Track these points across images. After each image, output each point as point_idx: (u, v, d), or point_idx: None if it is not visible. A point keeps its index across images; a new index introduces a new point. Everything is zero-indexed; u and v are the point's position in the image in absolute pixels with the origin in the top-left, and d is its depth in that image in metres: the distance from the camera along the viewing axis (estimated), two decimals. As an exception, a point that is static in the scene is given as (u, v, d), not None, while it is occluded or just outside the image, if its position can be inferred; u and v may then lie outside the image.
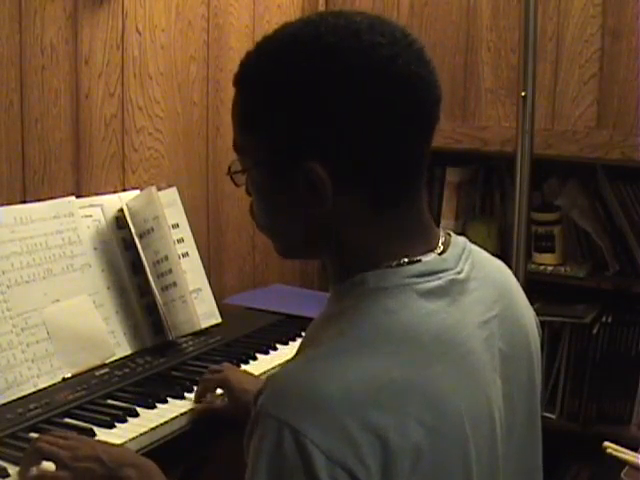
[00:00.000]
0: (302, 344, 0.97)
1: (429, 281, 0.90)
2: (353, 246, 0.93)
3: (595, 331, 2.35)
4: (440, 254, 0.94)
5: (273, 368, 1.66)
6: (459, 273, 0.94)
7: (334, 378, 0.82)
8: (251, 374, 1.53)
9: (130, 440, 1.34)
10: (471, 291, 0.94)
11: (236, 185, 1.01)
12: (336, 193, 0.89)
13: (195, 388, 1.55)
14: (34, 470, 1.18)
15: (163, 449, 1.36)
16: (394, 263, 0.91)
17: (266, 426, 0.81)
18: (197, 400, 1.49)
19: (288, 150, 0.90)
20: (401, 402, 0.82)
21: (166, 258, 1.76)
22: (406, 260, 0.91)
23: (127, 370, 1.61)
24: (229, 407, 1.45)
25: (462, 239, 0.99)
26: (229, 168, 1.03)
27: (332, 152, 0.88)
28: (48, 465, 1.17)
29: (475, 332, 0.92)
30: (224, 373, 1.48)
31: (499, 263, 1.06)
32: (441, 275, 0.92)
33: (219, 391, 1.50)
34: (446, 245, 0.96)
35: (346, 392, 0.81)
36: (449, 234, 0.99)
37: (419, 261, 0.92)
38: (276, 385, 0.85)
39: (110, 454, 1.15)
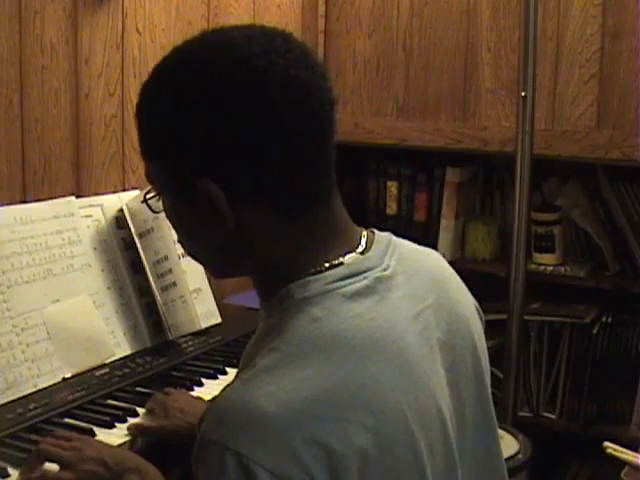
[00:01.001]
0: (240, 367, 0.96)
1: (353, 282, 0.89)
2: (270, 260, 0.92)
3: (595, 331, 2.35)
4: (362, 253, 0.93)
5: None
6: (385, 270, 0.92)
7: (269, 395, 0.80)
8: (193, 396, 1.47)
9: (130, 440, 1.34)
10: (399, 286, 0.93)
11: (153, 212, 1.02)
12: (235, 207, 0.88)
13: (199, 388, 1.55)
14: (37, 472, 1.18)
15: (163, 449, 1.36)
16: (315, 270, 0.90)
17: (209, 453, 0.80)
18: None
19: (182, 170, 0.89)
20: (340, 409, 0.81)
21: (166, 258, 1.76)
22: (327, 265, 0.90)
23: (127, 370, 1.60)
24: (163, 425, 1.35)
25: (386, 234, 0.98)
26: (144, 195, 1.02)
27: (220, 167, 0.87)
28: (51, 467, 1.17)
29: (408, 327, 0.91)
30: (166, 395, 1.41)
31: (431, 252, 1.04)
32: (366, 274, 0.90)
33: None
34: (369, 243, 0.95)
35: (283, 407, 0.80)
36: (372, 232, 0.97)
37: (341, 264, 0.90)
38: (215, 410, 0.83)
39: (114, 457, 1.15)
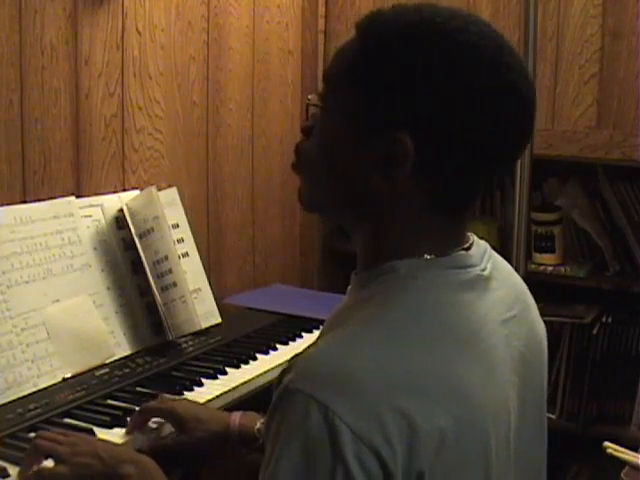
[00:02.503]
0: (326, 328, 0.97)
1: (459, 273, 0.92)
2: (395, 232, 0.93)
3: (595, 331, 2.35)
4: (466, 250, 0.95)
5: (273, 368, 1.66)
6: (483, 270, 0.95)
7: (365, 359, 0.82)
8: (196, 402, 1.43)
9: (130, 440, 1.34)
10: (493, 290, 0.95)
11: (307, 119, 0.98)
12: (409, 175, 0.89)
13: (199, 388, 1.55)
14: (34, 468, 1.18)
15: (160, 451, 1.35)
16: (425, 256, 0.92)
17: (294, 401, 0.81)
18: (130, 431, 1.35)
19: (388, 114, 0.89)
20: (430, 388, 0.83)
21: (166, 258, 1.76)
22: (437, 254, 0.92)
23: (127, 370, 1.60)
24: (182, 441, 1.32)
25: (484, 242, 1.00)
26: (309, 99, 0.99)
27: (429, 135, 0.88)
28: (48, 463, 1.17)
29: (497, 329, 0.93)
30: (169, 403, 1.36)
31: (514, 271, 1.07)
32: (469, 270, 0.93)
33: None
34: (471, 244, 0.97)
35: (377, 373, 0.81)
36: (472, 235, 0.99)
37: (449, 254, 0.93)
38: (306, 363, 0.85)
39: (109, 451, 1.15)
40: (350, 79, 0.92)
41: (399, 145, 0.88)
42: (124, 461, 1.13)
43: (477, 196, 0.96)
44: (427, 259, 0.91)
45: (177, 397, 1.47)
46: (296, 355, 0.89)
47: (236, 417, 1.31)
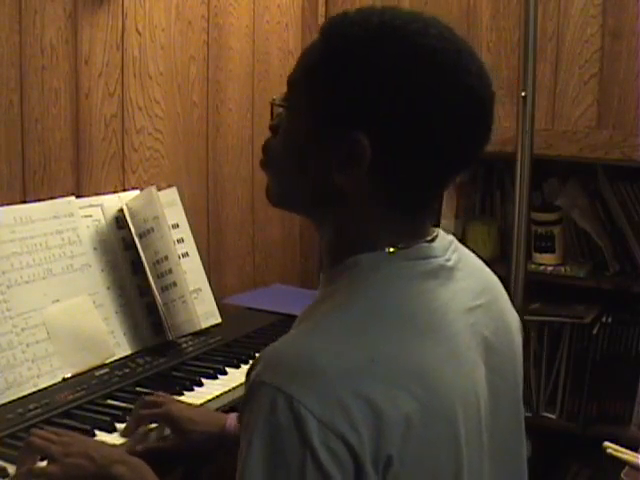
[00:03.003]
0: (296, 322, 0.99)
1: (421, 264, 0.94)
2: (357, 229, 0.95)
3: (595, 331, 2.35)
4: (429, 242, 0.97)
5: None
6: (448, 261, 0.97)
7: (328, 349, 0.84)
8: (192, 404, 1.44)
9: (129, 441, 1.34)
10: (458, 279, 0.97)
11: (272, 119, 1.02)
12: (368, 174, 0.91)
13: (199, 388, 1.55)
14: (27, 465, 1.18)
15: (157, 455, 1.35)
16: (387, 249, 0.94)
17: (260, 394, 0.83)
18: (127, 434, 1.35)
19: (347, 114, 0.91)
20: (393, 374, 0.85)
21: (166, 258, 1.76)
22: (399, 245, 0.94)
23: (127, 370, 1.61)
24: (178, 443, 1.34)
25: (450, 236, 1.02)
26: (274, 99, 1.02)
27: (386, 135, 0.89)
28: (41, 463, 1.18)
29: (461, 316, 0.95)
30: (165, 407, 1.36)
31: (485, 266, 1.09)
32: (431, 260, 0.95)
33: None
34: (435, 237, 0.99)
35: (340, 362, 0.83)
36: (438, 230, 1.01)
37: (409, 247, 0.94)
38: (271, 355, 0.87)
39: (101, 451, 1.16)
40: (311, 79, 0.95)
41: (356, 145, 0.89)
42: (116, 461, 1.13)
43: (437, 194, 0.99)
44: (389, 252, 0.93)
45: (173, 396, 1.46)
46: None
47: (232, 419, 1.32)
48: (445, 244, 0.99)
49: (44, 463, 1.17)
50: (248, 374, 0.88)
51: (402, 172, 0.92)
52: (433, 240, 0.98)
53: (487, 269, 1.08)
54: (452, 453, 0.88)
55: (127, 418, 1.39)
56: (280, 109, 1.01)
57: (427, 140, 0.90)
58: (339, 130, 0.91)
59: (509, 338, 1.04)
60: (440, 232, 1.01)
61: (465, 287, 0.98)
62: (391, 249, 0.93)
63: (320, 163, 0.93)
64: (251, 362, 0.90)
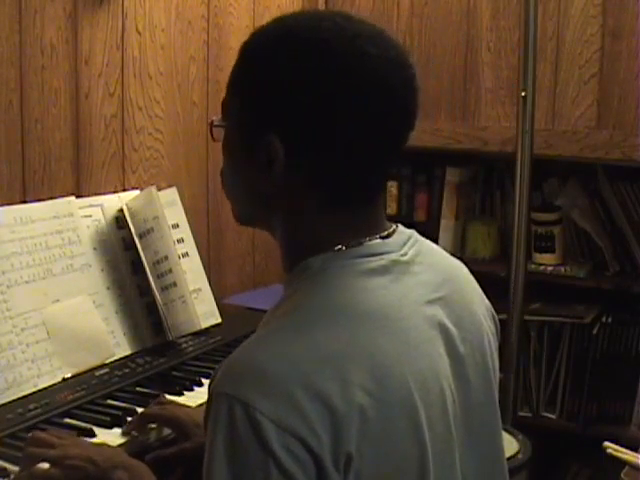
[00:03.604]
0: (256, 330, 0.99)
1: (370, 261, 0.94)
2: (303, 231, 0.97)
3: (595, 331, 2.35)
4: (383, 238, 0.98)
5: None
6: (403, 255, 0.97)
7: (278, 352, 0.86)
8: (190, 406, 1.43)
9: (130, 441, 1.34)
10: (415, 273, 0.98)
11: (213, 139, 1.04)
12: (286, 171, 0.93)
13: (199, 388, 1.55)
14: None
15: (165, 460, 1.35)
16: (337, 249, 0.95)
17: (219, 403, 0.84)
18: (129, 433, 1.35)
19: (257, 118, 0.94)
20: (343, 371, 0.85)
21: (166, 258, 1.76)
22: (349, 244, 0.95)
23: (127, 370, 1.60)
24: (183, 449, 1.32)
25: (410, 231, 1.03)
26: (212, 121, 1.05)
27: (295, 135, 0.92)
28: (43, 465, 1.17)
29: (418, 309, 0.95)
30: (170, 410, 1.36)
31: (452, 258, 1.09)
32: (383, 256, 0.95)
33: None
34: (392, 233, 0.99)
35: (290, 364, 0.84)
36: (397, 226, 1.02)
37: (361, 244, 0.95)
38: (225, 366, 0.88)
39: (102, 455, 1.16)
40: (231, 92, 0.99)
41: (269, 147, 0.92)
42: (117, 466, 1.13)
43: (371, 188, 0.97)
44: (338, 251, 0.94)
45: (177, 398, 1.46)
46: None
47: None
48: (402, 239, 0.99)
49: (46, 465, 1.17)
50: (209, 386, 0.89)
51: (320, 169, 0.93)
52: (389, 236, 0.98)
53: (451, 260, 1.08)
54: (413, 442, 0.89)
55: (128, 418, 1.39)
56: (218, 130, 1.04)
57: (334, 135, 0.91)
58: (255, 136, 0.94)
59: (477, 328, 1.03)
60: (399, 228, 1.01)
61: (423, 280, 0.98)
62: (342, 247, 0.94)
63: (249, 172, 0.96)
64: (212, 374, 0.91)
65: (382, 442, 0.86)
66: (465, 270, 1.09)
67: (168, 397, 1.45)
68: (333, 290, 0.92)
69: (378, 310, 0.91)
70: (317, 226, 0.96)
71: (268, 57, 0.93)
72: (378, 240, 0.97)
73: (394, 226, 1.01)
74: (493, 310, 1.10)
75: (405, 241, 0.99)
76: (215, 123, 1.04)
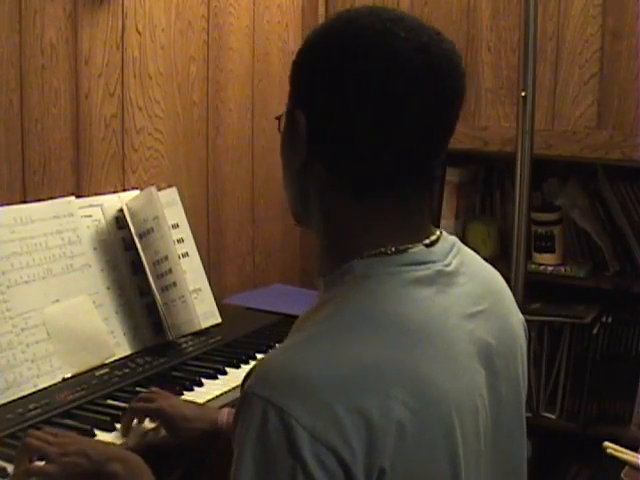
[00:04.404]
0: (291, 332, 0.98)
1: (416, 270, 0.92)
2: (343, 230, 0.95)
3: (595, 331, 2.35)
4: (427, 246, 0.96)
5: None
6: (447, 266, 0.95)
7: (319, 360, 0.84)
8: (187, 401, 1.44)
9: (129, 440, 1.34)
10: (458, 285, 0.96)
11: (279, 130, 1.04)
12: (310, 147, 0.94)
13: (199, 388, 1.55)
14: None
15: (162, 450, 1.35)
16: (379, 251, 0.93)
17: (252, 406, 0.82)
18: (124, 432, 1.35)
19: (295, 99, 0.96)
20: (383, 384, 0.83)
21: (166, 258, 1.76)
22: (393, 249, 0.93)
23: (127, 370, 1.60)
24: (170, 439, 1.34)
25: (453, 238, 1.01)
26: (278, 117, 1.05)
27: (321, 116, 0.93)
28: (39, 463, 1.18)
29: (461, 323, 0.94)
30: (157, 403, 1.35)
31: (489, 267, 1.08)
32: (429, 266, 0.93)
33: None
34: (435, 241, 0.97)
35: (331, 374, 0.82)
36: (441, 232, 1.00)
37: (406, 251, 0.93)
38: (263, 368, 0.86)
39: (97, 449, 1.16)
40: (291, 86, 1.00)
41: (296, 120, 0.94)
42: (112, 459, 1.13)
43: (409, 183, 0.94)
44: (383, 256, 0.92)
45: (168, 393, 1.45)
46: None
47: (224, 414, 1.31)
48: (446, 247, 0.97)
49: (42, 463, 1.17)
50: (242, 384, 0.88)
51: (349, 153, 0.92)
52: (433, 244, 0.96)
53: (491, 270, 1.07)
54: (448, 459, 0.87)
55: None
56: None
57: (375, 124, 0.90)
58: (292, 114, 0.95)
59: (512, 341, 1.03)
60: (443, 234, 0.99)
61: (466, 292, 0.97)
62: (385, 250, 0.92)
63: (289, 149, 0.98)
64: (248, 369, 0.90)
65: (417, 460, 0.84)
66: (502, 280, 1.08)
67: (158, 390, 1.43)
68: (378, 299, 0.89)
69: (423, 323, 0.89)
70: (356, 226, 0.94)
71: (320, 44, 0.95)
72: (422, 247, 0.94)
73: (438, 232, 0.99)
74: (525, 322, 1.09)
75: (449, 250, 0.97)
76: (279, 115, 1.04)
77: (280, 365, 0.85)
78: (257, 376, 0.85)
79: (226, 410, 1.33)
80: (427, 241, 0.96)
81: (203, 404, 1.47)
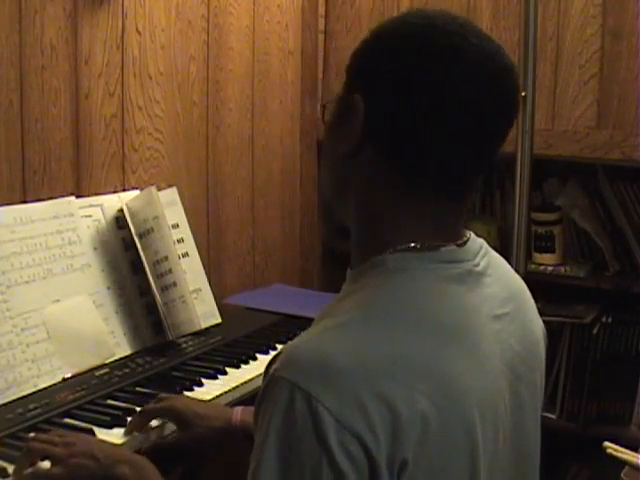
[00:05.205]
0: (317, 319, 0.98)
1: (449, 268, 0.93)
2: (380, 222, 0.95)
3: (595, 331, 2.35)
4: (458, 246, 0.96)
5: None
6: (476, 266, 0.96)
7: (349, 347, 0.84)
8: (195, 399, 1.44)
9: (130, 440, 1.34)
10: (486, 285, 0.96)
11: (323, 122, 1.04)
12: (366, 134, 0.92)
13: (199, 388, 1.55)
14: (29, 469, 1.18)
15: (162, 450, 1.36)
16: (411, 247, 0.93)
17: (279, 389, 0.82)
18: (131, 432, 1.35)
19: (354, 83, 0.95)
20: (411, 377, 0.83)
21: (166, 258, 1.76)
22: (426, 245, 0.93)
23: (127, 370, 1.61)
24: (184, 438, 1.34)
25: (481, 240, 1.01)
26: (324, 105, 1.05)
27: (376, 97, 0.92)
28: (45, 464, 1.17)
29: (488, 323, 0.94)
30: (168, 401, 1.37)
31: (513, 271, 1.08)
32: (460, 265, 0.94)
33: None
34: (467, 240, 0.98)
35: (360, 361, 0.82)
36: (470, 234, 1.00)
37: (438, 248, 0.93)
38: (291, 352, 0.86)
39: (104, 451, 1.16)
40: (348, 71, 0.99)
41: (354, 103, 0.93)
42: (120, 461, 1.13)
43: (455, 182, 0.95)
44: (416, 251, 0.92)
45: (173, 395, 1.46)
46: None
47: (237, 412, 1.31)
48: (475, 248, 0.98)
49: (47, 463, 1.17)
50: (267, 368, 0.88)
51: (400, 143, 0.92)
52: (464, 244, 0.97)
53: (515, 274, 1.07)
54: (469, 457, 0.87)
55: (128, 418, 1.39)
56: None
57: (434, 123, 0.90)
58: (347, 98, 0.94)
59: (534, 346, 1.03)
60: (472, 236, 1.00)
61: (493, 293, 0.97)
62: (417, 245, 0.92)
63: (338, 131, 0.96)
64: (272, 355, 0.89)
65: (438, 455, 0.84)
66: (525, 285, 1.08)
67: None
68: (411, 293, 0.90)
69: (452, 319, 0.90)
70: (394, 217, 0.94)
71: (388, 38, 0.95)
72: (454, 247, 0.95)
73: (468, 234, 0.99)
74: (545, 329, 1.09)
75: (478, 250, 0.98)
76: (326, 104, 1.04)
77: (309, 350, 0.85)
78: (285, 360, 0.85)
79: (240, 409, 1.33)
80: (459, 241, 0.96)
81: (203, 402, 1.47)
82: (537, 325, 1.06)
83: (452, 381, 0.86)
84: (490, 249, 1.02)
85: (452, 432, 0.85)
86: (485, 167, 0.96)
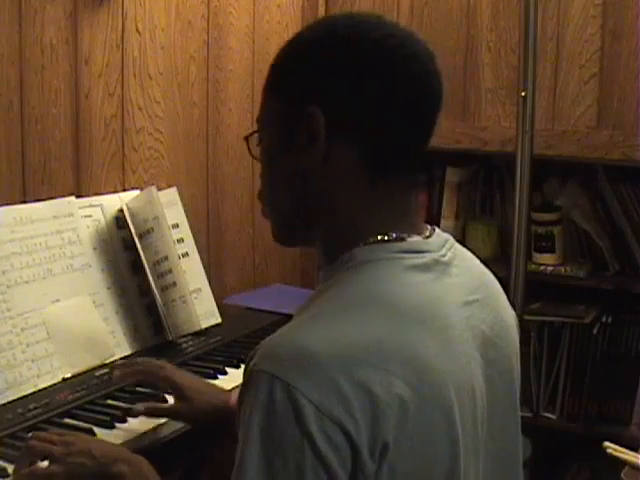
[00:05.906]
0: (294, 316, 1.00)
1: (414, 257, 0.95)
2: (344, 220, 0.97)
3: (595, 331, 2.35)
4: (424, 239, 0.99)
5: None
6: (443, 256, 0.99)
7: (321, 338, 0.86)
8: (190, 374, 1.44)
9: (130, 440, 1.34)
10: (453, 275, 0.99)
11: (251, 155, 1.06)
12: (329, 141, 0.94)
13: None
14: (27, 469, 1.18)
15: (163, 450, 1.36)
16: (380, 239, 0.96)
17: (259, 381, 0.84)
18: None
19: (298, 96, 0.97)
20: (386, 361, 0.85)
21: (166, 258, 1.76)
22: (393, 236, 0.96)
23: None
24: (184, 409, 1.33)
25: (447, 234, 1.04)
26: (245, 137, 1.06)
27: (331, 100, 0.95)
28: (44, 464, 1.17)
29: (456, 310, 0.96)
30: (166, 370, 1.37)
31: (480, 264, 1.10)
32: (425, 255, 0.96)
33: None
34: (431, 234, 1.01)
35: (334, 349, 0.84)
36: (434, 229, 1.03)
37: (404, 239, 0.96)
38: (268, 346, 0.88)
39: (102, 450, 1.16)
40: (269, 94, 1.02)
41: (311, 116, 0.94)
42: (118, 460, 1.13)
43: (407, 163, 0.99)
44: (384, 243, 0.95)
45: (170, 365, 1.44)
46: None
47: (236, 395, 1.31)
48: (440, 241, 1.01)
49: (46, 464, 1.17)
50: (246, 366, 0.89)
51: (359, 137, 0.95)
52: (429, 237, 1.00)
53: (484, 268, 1.09)
54: (447, 440, 0.89)
55: (128, 418, 1.39)
56: (255, 140, 1.04)
57: (372, 106, 0.94)
58: (296, 113, 0.95)
59: (506, 334, 1.05)
60: (437, 231, 1.02)
61: (461, 282, 0.99)
62: (385, 237, 0.95)
63: (295, 153, 0.97)
64: (249, 356, 0.91)
65: (418, 436, 0.86)
66: (493, 276, 1.10)
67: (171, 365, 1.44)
68: (379, 281, 0.92)
69: (421, 305, 0.92)
70: (356, 212, 0.97)
71: (321, 42, 0.98)
72: (419, 238, 0.98)
73: (431, 228, 1.02)
74: (517, 319, 1.11)
75: (443, 243, 1.01)
76: (249, 135, 1.05)
77: (286, 342, 0.87)
78: (262, 354, 0.87)
79: (236, 392, 1.32)
80: (424, 234, 1.00)
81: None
82: (509, 314, 1.08)
83: (425, 363, 0.88)
84: (456, 243, 1.05)
85: (430, 414, 0.87)
86: (423, 144, 1.01)
